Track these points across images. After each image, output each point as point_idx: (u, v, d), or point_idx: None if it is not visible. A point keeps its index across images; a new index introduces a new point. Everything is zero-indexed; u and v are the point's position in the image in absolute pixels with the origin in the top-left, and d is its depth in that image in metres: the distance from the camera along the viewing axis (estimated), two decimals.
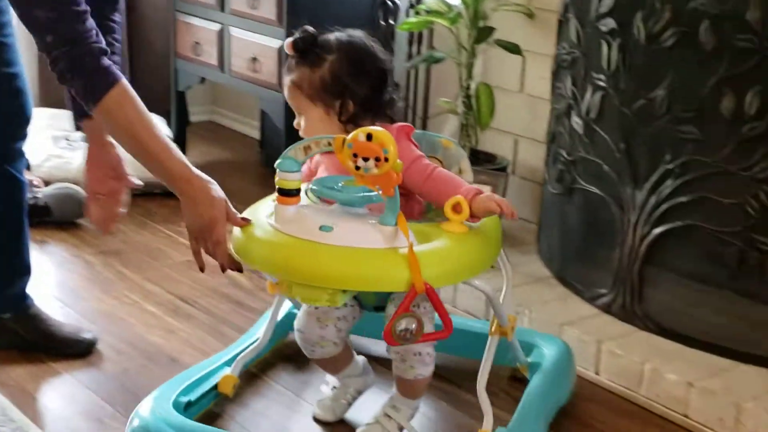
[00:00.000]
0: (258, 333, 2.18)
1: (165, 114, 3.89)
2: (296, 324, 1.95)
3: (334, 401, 2.06)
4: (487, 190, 1.95)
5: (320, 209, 1.78)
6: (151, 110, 4.07)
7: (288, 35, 3.22)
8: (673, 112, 2.25)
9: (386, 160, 1.65)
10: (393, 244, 1.69)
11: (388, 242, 1.69)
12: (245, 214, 1.84)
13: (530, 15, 3.01)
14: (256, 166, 3.89)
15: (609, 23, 2.38)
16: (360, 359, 2.08)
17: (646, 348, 2.26)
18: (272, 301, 2.58)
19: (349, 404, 2.07)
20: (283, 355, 2.30)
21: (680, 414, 2.12)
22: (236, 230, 1.80)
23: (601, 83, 2.43)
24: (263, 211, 1.82)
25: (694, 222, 2.24)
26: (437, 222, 1.82)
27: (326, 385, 2.10)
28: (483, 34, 2.96)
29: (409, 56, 3.41)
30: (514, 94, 3.15)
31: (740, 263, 2.19)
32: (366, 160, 1.66)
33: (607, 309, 2.44)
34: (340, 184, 1.77)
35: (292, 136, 3.33)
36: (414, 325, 1.69)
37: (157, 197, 3.36)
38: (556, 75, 2.71)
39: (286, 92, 1.92)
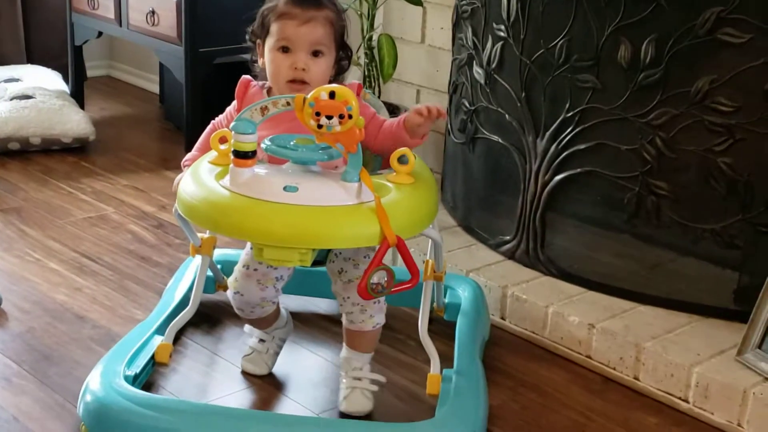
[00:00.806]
0: (176, 295, 2.16)
1: (62, 69, 3.81)
2: (234, 287, 1.93)
3: (264, 353, 2.06)
4: None
5: (276, 170, 1.76)
6: (47, 65, 4.01)
7: None
8: (571, 61, 2.30)
9: (350, 117, 1.66)
10: (359, 199, 1.70)
11: (354, 198, 1.70)
12: (185, 178, 1.79)
13: None
14: (156, 121, 3.84)
15: None
16: (282, 313, 2.09)
17: (549, 292, 2.33)
18: (175, 254, 2.59)
19: (277, 354, 2.08)
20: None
21: (583, 355, 2.19)
22: (190, 194, 1.74)
23: (501, 33, 2.46)
24: (205, 175, 1.77)
25: (593, 168, 2.30)
26: (381, 174, 1.83)
27: (251, 338, 2.08)
28: None
29: None
30: (416, 45, 3.17)
31: (637, 207, 2.26)
32: (329, 118, 1.66)
33: (511, 255, 2.50)
34: (292, 143, 1.77)
35: (195, 90, 3.32)
36: (385, 278, 1.71)
37: (56, 154, 3.31)
38: (456, 26, 2.73)
39: (311, 26, 1.85)
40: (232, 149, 1.73)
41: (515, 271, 2.45)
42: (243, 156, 1.72)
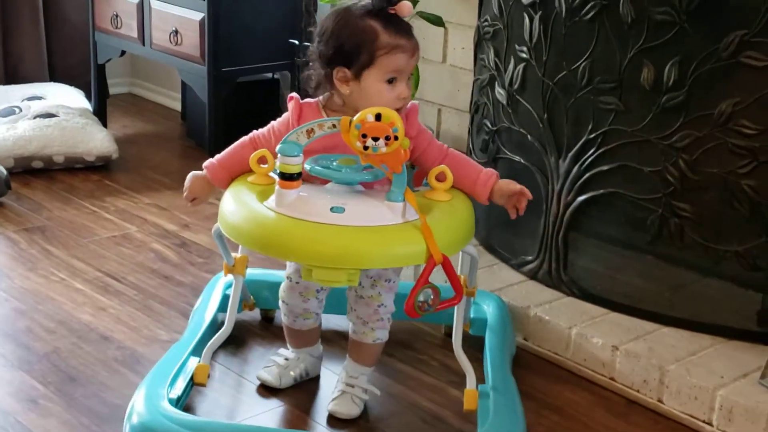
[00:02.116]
0: (206, 316, 2.17)
1: (85, 87, 3.84)
2: (281, 295, 2.01)
3: (284, 369, 2.07)
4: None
5: (320, 190, 1.79)
6: (70, 83, 4.05)
7: (210, 8, 3.22)
8: (594, 83, 2.30)
9: (395, 138, 1.69)
10: (405, 218, 1.73)
11: (400, 217, 1.73)
12: (227, 198, 1.82)
13: None
14: (178, 138, 3.86)
15: None
16: (320, 347, 2.12)
17: (571, 313, 2.33)
18: (198, 273, 2.61)
19: (296, 380, 2.08)
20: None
21: (607, 377, 2.19)
22: (235, 216, 1.77)
23: (524, 55, 2.47)
24: (248, 196, 1.80)
25: (616, 189, 2.30)
26: (418, 191, 1.86)
27: (279, 356, 2.11)
28: None
29: None
30: (437, 64, 3.18)
31: (660, 229, 2.26)
32: (375, 139, 1.69)
33: (533, 275, 2.50)
34: (335, 163, 1.79)
35: (217, 109, 3.34)
36: (432, 296, 1.74)
37: (79, 172, 3.33)
38: (478, 46, 2.74)
39: (415, 52, 1.87)
40: (279, 171, 1.75)
41: (537, 291, 2.45)
42: (289, 178, 1.74)
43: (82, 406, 1.98)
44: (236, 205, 1.79)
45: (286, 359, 2.09)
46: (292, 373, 2.08)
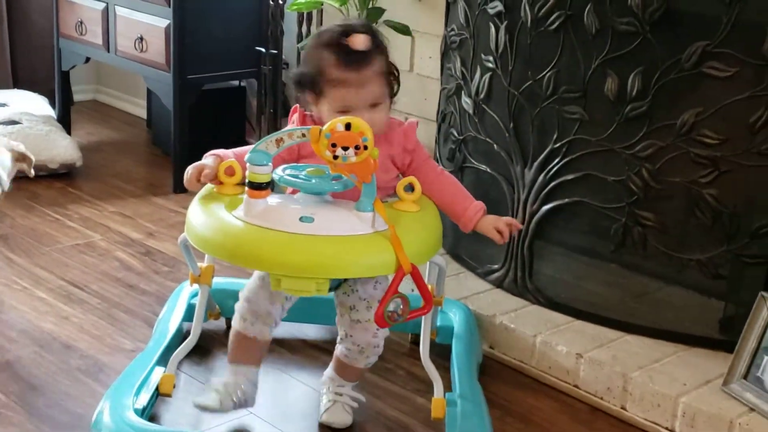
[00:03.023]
0: (170, 326, 2.17)
1: (49, 94, 3.82)
2: (244, 293, 1.92)
3: (224, 393, 1.91)
4: None
5: (289, 200, 1.79)
6: (34, 90, 4.00)
7: (176, 15, 3.21)
8: (559, 92, 2.32)
9: (365, 148, 1.69)
10: (374, 228, 1.73)
11: (369, 227, 1.73)
12: (194, 207, 1.80)
13: None
14: (143, 146, 3.84)
15: (496, 6, 2.43)
16: (258, 373, 2.00)
17: (537, 321, 2.34)
18: (163, 282, 2.59)
19: (234, 406, 1.92)
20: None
21: (571, 384, 2.20)
22: (202, 225, 1.76)
23: (490, 64, 2.48)
24: (215, 205, 1.78)
25: (581, 198, 2.32)
26: (388, 202, 1.86)
27: (216, 379, 1.97)
28: (373, 15, 2.98)
29: (300, 37, 3.41)
30: (405, 73, 3.17)
31: (624, 237, 2.28)
32: (345, 149, 1.69)
33: (499, 284, 2.51)
34: (304, 173, 1.79)
35: (183, 116, 3.33)
36: (401, 306, 1.74)
37: (42, 180, 3.30)
38: (445, 56, 2.75)
39: (369, 88, 1.85)
40: (248, 180, 1.74)
41: (503, 299, 2.46)
42: (257, 187, 1.74)
43: (45, 415, 1.96)
44: (204, 215, 1.78)
45: (225, 384, 1.93)
46: (234, 397, 1.92)
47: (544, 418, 2.11)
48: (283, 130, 1.77)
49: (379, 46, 1.89)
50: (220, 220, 1.75)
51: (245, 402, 1.94)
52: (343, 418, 2.00)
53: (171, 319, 2.23)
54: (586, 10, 2.23)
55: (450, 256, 2.71)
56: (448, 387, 2.02)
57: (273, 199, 1.77)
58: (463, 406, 1.94)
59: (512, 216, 2.46)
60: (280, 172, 1.79)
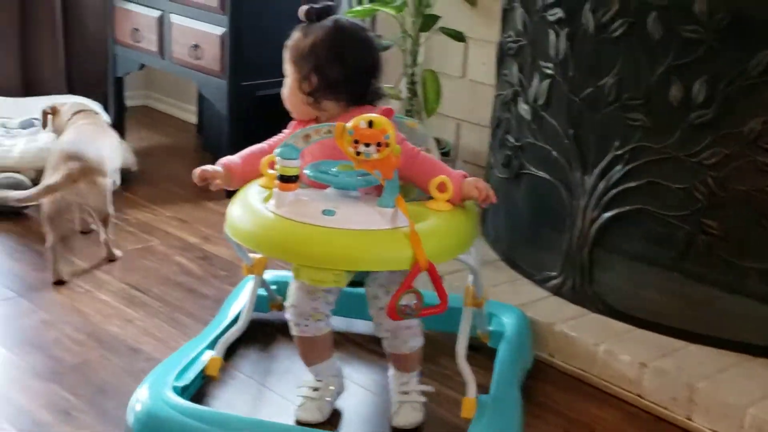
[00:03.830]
0: (229, 313, 2.24)
1: (102, 99, 3.85)
2: (288, 301, 2.00)
3: (319, 400, 2.02)
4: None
5: (318, 194, 1.85)
6: (88, 96, 4.05)
7: (231, 23, 3.24)
8: (621, 99, 2.31)
9: (387, 145, 1.73)
10: (394, 224, 1.76)
11: (389, 223, 1.77)
12: (235, 200, 1.89)
13: (472, 3, 3.06)
14: (194, 151, 3.87)
15: (556, 13, 2.43)
16: (336, 360, 2.09)
17: (597, 329, 2.33)
18: (221, 287, 2.62)
19: (330, 403, 2.04)
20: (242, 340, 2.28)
21: (634, 394, 2.19)
22: (237, 216, 1.85)
23: (549, 71, 2.48)
24: (254, 197, 1.87)
25: (643, 206, 2.31)
26: (421, 201, 1.89)
27: (305, 387, 2.05)
28: (428, 21, 3.00)
29: None
30: (457, 79, 3.20)
31: (688, 246, 2.26)
32: (367, 145, 1.73)
33: (556, 291, 2.51)
34: (334, 169, 1.84)
35: (236, 122, 3.35)
36: (414, 301, 1.77)
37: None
38: (501, 62, 2.76)
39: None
40: (278, 174, 1.81)
41: (562, 307, 2.45)
42: (287, 180, 1.80)
43: (114, 417, 1.98)
44: (238, 206, 1.87)
45: (315, 389, 2.04)
46: (327, 398, 2.03)
47: (608, 428, 2.10)
48: (310, 126, 1.84)
49: (314, 28, 1.96)
50: (251, 210, 1.83)
51: (338, 394, 2.06)
52: (414, 418, 2.02)
53: (231, 307, 2.31)
54: (650, 17, 2.22)
55: (504, 262, 2.71)
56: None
57: (303, 193, 1.83)
58: (493, 408, 1.95)
59: (572, 223, 2.45)
60: (311, 168, 1.85)
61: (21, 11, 3.86)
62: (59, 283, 2.58)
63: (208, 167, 2.00)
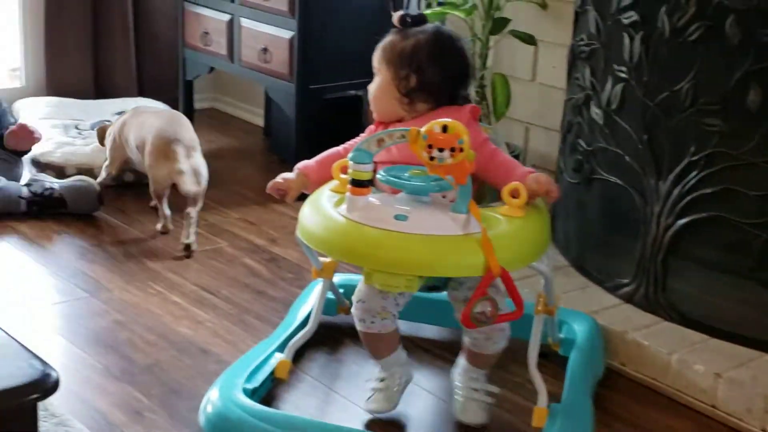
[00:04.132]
0: (298, 316, 2.26)
1: (172, 102, 3.89)
2: (356, 296, 1.99)
3: (387, 390, 2.05)
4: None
5: (389, 199, 1.84)
6: (158, 98, 4.11)
7: (300, 27, 3.26)
8: (697, 104, 2.27)
9: (461, 150, 1.72)
10: (467, 230, 1.75)
11: (462, 229, 1.76)
12: (307, 204, 1.90)
13: (543, 6, 3.03)
14: (261, 154, 3.89)
15: (631, 16, 2.40)
16: (402, 351, 2.09)
17: (671, 338, 2.29)
18: (289, 289, 2.62)
19: (399, 392, 2.06)
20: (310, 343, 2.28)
21: (708, 405, 2.15)
22: (308, 219, 1.86)
23: (623, 75, 2.44)
24: (325, 201, 1.88)
25: (719, 213, 2.27)
26: (493, 207, 1.89)
27: (373, 380, 2.07)
28: (499, 25, 2.98)
29: None
30: (526, 82, 3.17)
31: (764, 254, 2.21)
32: (441, 150, 1.72)
33: (629, 299, 2.47)
34: (406, 174, 1.83)
35: (304, 125, 3.37)
36: (489, 308, 1.76)
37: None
38: (572, 65, 2.72)
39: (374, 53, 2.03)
40: (350, 178, 1.81)
41: (634, 315, 2.41)
42: (360, 185, 1.80)
43: (186, 419, 2.00)
44: (311, 211, 1.88)
45: (382, 380, 2.06)
46: (395, 388, 2.05)
47: None
48: (384, 131, 1.84)
49: (413, 31, 2.00)
50: (323, 214, 1.84)
51: (406, 383, 2.07)
52: (481, 417, 2.02)
53: (300, 309, 2.32)
54: (728, 21, 2.18)
55: (574, 268, 2.68)
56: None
57: (374, 197, 1.83)
58: (565, 417, 1.92)
59: (646, 230, 2.41)
60: (384, 173, 1.85)
61: (94, 17, 3.92)
62: (165, 232, 2.95)
63: (280, 179, 2.03)
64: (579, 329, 2.29)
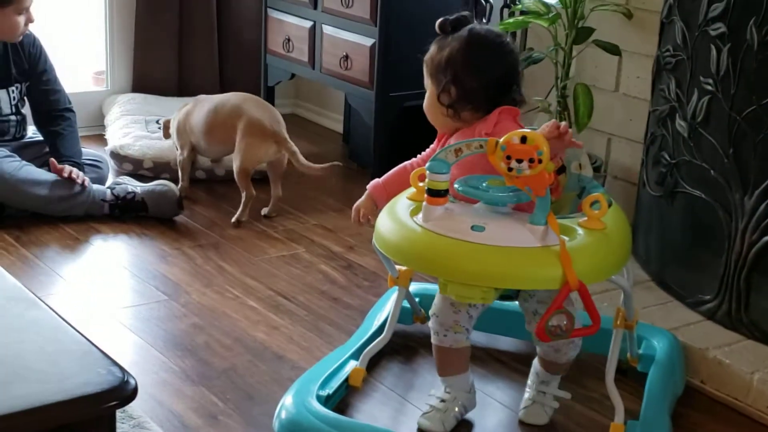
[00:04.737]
0: (374, 324, 2.26)
1: None
2: (432, 309, 1.99)
3: (444, 413, 2.01)
4: None
5: (467, 209, 1.83)
6: None
7: (381, 34, 3.26)
8: None
9: (540, 161, 1.70)
10: (545, 242, 1.73)
11: (540, 241, 1.74)
12: (383, 212, 1.91)
13: (629, 15, 2.99)
14: (340, 160, 3.88)
15: (719, 27, 2.35)
16: (470, 376, 2.07)
17: (753, 357, 2.23)
18: (365, 297, 2.63)
19: (456, 418, 2.03)
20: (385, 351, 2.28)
21: None
22: (385, 228, 1.86)
23: (709, 87, 2.39)
24: (402, 210, 1.87)
25: None
26: (572, 218, 1.86)
27: (434, 396, 2.05)
28: (583, 34, 2.94)
29: None
30: (609, 93, 3.12)
31: None
32: (519, 161, 1.70)
33: (711, 316, 2.41)
34: (484, 184, 1.83)
35: (383, 132, 3.37)
36: (565, 322, 1.74)
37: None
38: (657, 76, 2.68)
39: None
40: (427, 187, 1.80)
41: (716, 332, 2.36)
42: (436, 194, 1.79)
43: (261, 424, 2.01)
44: (387, 219, 1.87)
45: (443, 401, 2.03)
46: (452, 413, 2.02)
47: None
48: (462, 141, 1.82)
49: (449, 39, 1.98)
50: (399, 223, 1.83)
51: (465, 410, 2.04)
52: (541, 419, 2.04)
53: (376, 317, 2.32)
54: None
55: (655, 283, 2.63)
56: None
57: (450, 207, 1.82)
58: None
59: (730, 246, 2.36)
60: (461, 183, 1.84)
61: (180, 19, 3.99)
62: (237, 224, 3.06)
63: (360, 204, 2.10)
64: (659, 345, 2.25)
